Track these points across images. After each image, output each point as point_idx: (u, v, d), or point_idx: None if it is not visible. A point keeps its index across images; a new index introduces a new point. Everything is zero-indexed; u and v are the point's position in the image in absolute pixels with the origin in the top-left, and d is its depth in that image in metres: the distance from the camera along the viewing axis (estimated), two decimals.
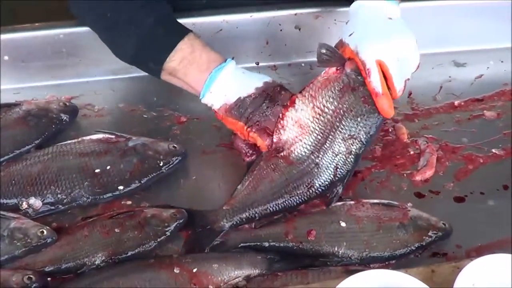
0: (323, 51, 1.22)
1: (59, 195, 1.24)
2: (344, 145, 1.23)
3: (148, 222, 1.20)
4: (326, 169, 1.24)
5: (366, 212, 1.22)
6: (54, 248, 1.17)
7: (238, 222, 1.23)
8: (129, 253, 1.17)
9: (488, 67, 1.56)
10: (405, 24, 1.24)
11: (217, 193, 1.31)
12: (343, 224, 1.21)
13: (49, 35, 1.46)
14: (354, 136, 1.23)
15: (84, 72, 1.50)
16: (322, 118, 1.24)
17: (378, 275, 1.02)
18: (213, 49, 1.30)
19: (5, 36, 1.44)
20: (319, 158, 1.24)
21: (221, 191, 1.31)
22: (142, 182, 1.28)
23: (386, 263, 1.19)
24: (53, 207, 1.24)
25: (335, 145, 1.23)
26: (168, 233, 1.19)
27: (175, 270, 1.13)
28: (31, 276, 1.11)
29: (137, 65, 1.36)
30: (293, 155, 1.25)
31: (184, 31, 1.30)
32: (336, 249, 1.18)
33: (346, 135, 1.23)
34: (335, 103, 1.23)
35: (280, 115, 1.25)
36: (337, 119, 1.23)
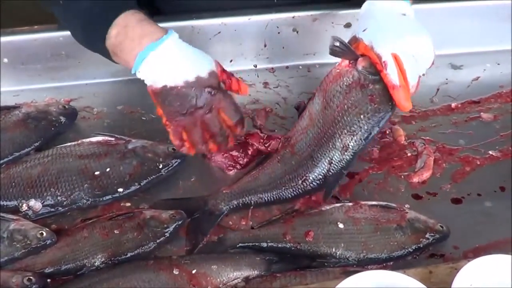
0: (336, 44, 1.20)
1: (59, 197, 1.24)
2: (342, 140, 1.23)
3: (147, 224, 1.20)
4: (319, 162, 1.24)
5: (364, 214, 1.22)
6: (53, 250, 1.17)
7: (235, 206, 1.24)
8: (129, 254, 1.18)
9: (484, 70, 1.57)
10: (418, 21, 1.22)
11: None
12: (341, 225, 1.21)
13: (48, 37, 1.46)
14: (354, 133, 1.23)
15: (83, 75, 1.50)
16: (327, 112, 1.24)
17: (377, 276, 1.02)
18: (153, 23, 1.21)
19: (5, 39, 1.44)
20: (315, 151, 1.24)
21: None
22: (142, 184, 1.28)
23: (384, 264, 1.19)
24: (53, 209, 1.24)
25: (332, 139, 1.23)
26: (167, 234, 1.20)
27: (174, 271, 1.14)
28: (31, 277, 1.12)
29: (92, 48, 1.29)
30: (297, 145, 1.25)
31: (122, 7, 1.21)
32: (333, 250, 1.19)
33: (345, 131, 1.23)
34: (341, 97, 1.23)
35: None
36: (340, 114, 1.23)
